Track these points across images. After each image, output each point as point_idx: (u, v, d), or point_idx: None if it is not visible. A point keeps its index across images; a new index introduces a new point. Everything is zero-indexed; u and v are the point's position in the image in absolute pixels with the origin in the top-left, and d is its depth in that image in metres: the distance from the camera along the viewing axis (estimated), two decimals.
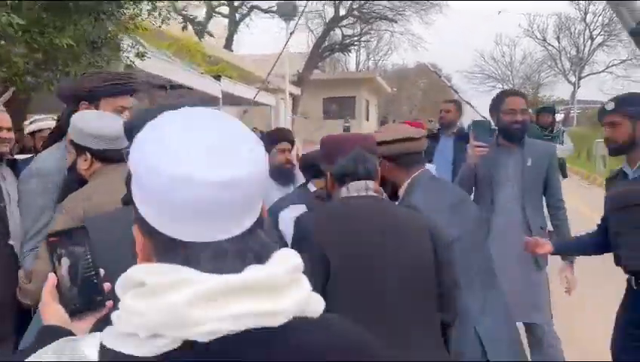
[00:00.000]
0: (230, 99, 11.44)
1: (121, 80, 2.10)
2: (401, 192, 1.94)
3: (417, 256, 1.55)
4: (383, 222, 1.56)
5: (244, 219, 0.65)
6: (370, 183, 1.60)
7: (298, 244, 1.51)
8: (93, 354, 0.63)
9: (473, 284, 1.82)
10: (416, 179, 1.93)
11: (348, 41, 25.52)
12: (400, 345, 1.45)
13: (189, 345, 0.59)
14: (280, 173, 2.99)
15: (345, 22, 23.83)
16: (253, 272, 0.61)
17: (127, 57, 7.12)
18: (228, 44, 21.89)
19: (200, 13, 23.41)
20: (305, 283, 0.67)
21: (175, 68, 8.85)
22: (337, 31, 24.49)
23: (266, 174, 0.68)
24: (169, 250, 0.63)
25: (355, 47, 29.53)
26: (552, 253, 2.62)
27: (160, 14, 6.16)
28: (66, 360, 0.63)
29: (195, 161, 0.60)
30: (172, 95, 11.11)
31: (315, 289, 0.69)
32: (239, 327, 0.60)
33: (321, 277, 1.41)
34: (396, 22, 24.83)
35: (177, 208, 0.60)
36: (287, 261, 0.65)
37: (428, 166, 2.29)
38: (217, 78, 10.70)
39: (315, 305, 0.68)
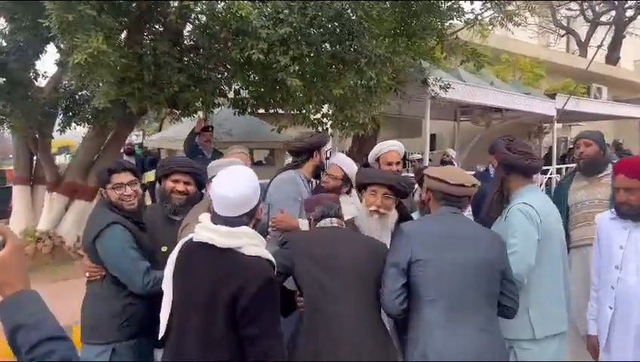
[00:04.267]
0: (572, 116, 10.64)
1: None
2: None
3: (355, 258, 2.32)
4: (335, 238, 2.47)
5: (238, 210, 1.91)
6: (334, 220, 2.55)
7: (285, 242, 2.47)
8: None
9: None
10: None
11: None
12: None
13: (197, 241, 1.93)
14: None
15: None
16: (218, 226, 1.87)
17: (433, 90, 8.02)
18: (611, 54, 19.61)
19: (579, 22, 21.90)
20: (241, 240, 1.86)
21: (489, 92, 9.09)
22: None
23: (253, 193, 1.94)
24: (213, 213, 1.95)
25: None
26: None
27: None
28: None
29: (225, 188, 1.90)
30: (507, 117, 11.24)
31: (278, 266, 2.02)
32: (205, 240, 1.87)
33: (282, 266, 2.24)
34: None
35: (218, 203, 1.92)
36: (238, 231, 1.87)
37: None
38: (552, 96, 10.21)
39: (253, 250, 1.87)
